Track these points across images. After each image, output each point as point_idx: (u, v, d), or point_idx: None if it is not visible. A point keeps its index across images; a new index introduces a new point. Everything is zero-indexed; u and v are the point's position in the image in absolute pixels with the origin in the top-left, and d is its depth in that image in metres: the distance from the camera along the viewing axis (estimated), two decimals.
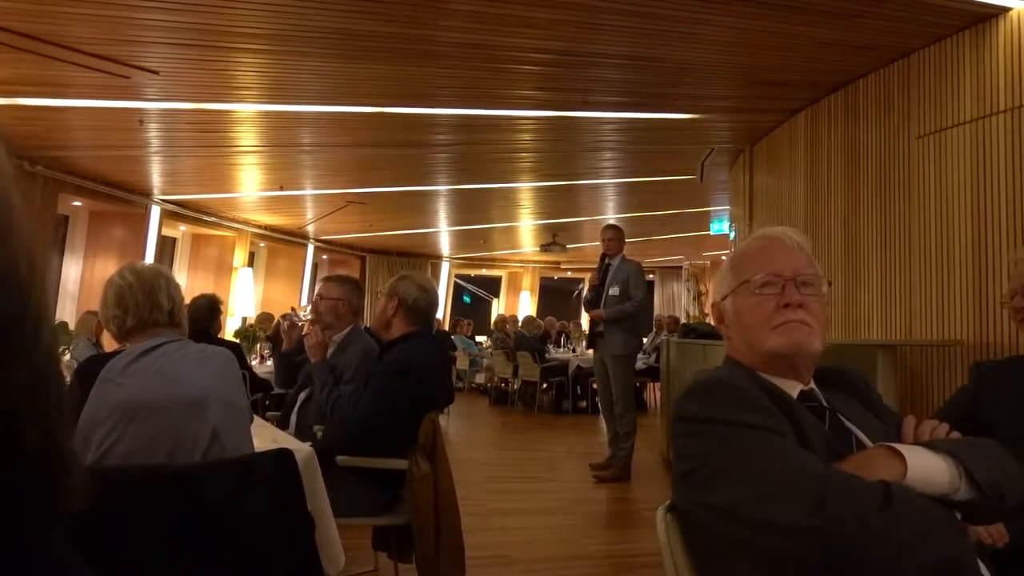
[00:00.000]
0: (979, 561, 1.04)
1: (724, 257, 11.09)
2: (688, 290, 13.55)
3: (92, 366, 1.79)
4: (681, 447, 1.14)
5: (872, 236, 4.45)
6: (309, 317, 3.64)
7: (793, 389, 1.21)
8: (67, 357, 5.50)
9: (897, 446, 1.05)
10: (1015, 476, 1.07)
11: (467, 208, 9.78)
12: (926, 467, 1.01)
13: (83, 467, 0.47)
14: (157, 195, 8.40)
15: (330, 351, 3.18)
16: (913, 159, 4.14)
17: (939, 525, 0.95)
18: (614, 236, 5.61)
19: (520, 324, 11.50)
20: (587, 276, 15.05)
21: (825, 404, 1.22)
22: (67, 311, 7.81)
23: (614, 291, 5.43)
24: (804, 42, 4.00)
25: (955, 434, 1.15)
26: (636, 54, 4.19)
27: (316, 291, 3.42)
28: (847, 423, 1.20)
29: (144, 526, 1.58)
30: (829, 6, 3.54)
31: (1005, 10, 3.58)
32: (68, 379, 1.83)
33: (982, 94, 3.72)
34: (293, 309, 4.49)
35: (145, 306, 1.89)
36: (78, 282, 8.27)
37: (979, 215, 3.71)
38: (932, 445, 1.06)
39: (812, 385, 1.25)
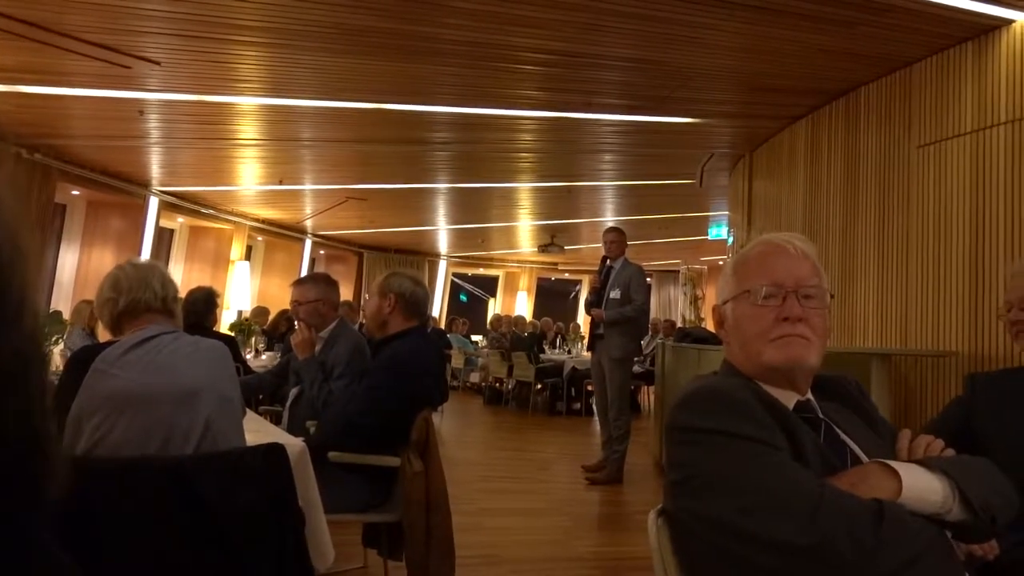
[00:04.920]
0: None
1: (722, 262, 11.11)
2: (685, 294, 13.56)
3: (85, 355, 1.79)
4: (674, 456, 1.13)
5: (870, 244, 4.45)
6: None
7: (789, 400, 1.20)
8: (61, 346, 5.48)
9: (892, 463, 1.04)
10: (1007, 497, 1.07)
11: (466, 207, 9.77)
12: (920, 486, 1.01)
13: (64, 453, 0.46)
14: (155, 186, 8.37)
15: (318, 347, 3.18)
16: (913, 169, 4.14)
17: (931, 546, 0.95)
18: (616, 239, 5.58)
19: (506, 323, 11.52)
20: (584, 278, 15.14)
21: (821, 416, 1.21)
22: (63, 300, 7.78)
23: (615, 294, 5.40)
24: (806, 49, 4.00)
25: (949, 451, 1.14)
26: (638, 57, 4.19)
27: (292, 298, 3.32)
28: (842, 435, 1.19)
29: (134, 516, 1.58)
30: (832, 14, 3.54)
31: (1008, 22, 3.59)
32: (61, 368, 1.82)
33: (983, 105, 3.73)
34: None
35: (138, 287, 1.90)
36: (74, 271, 8.24)
37: (977, 226, 3.71)
38: (927, 463, 1.05)
39: (809, 396, 1.24)
